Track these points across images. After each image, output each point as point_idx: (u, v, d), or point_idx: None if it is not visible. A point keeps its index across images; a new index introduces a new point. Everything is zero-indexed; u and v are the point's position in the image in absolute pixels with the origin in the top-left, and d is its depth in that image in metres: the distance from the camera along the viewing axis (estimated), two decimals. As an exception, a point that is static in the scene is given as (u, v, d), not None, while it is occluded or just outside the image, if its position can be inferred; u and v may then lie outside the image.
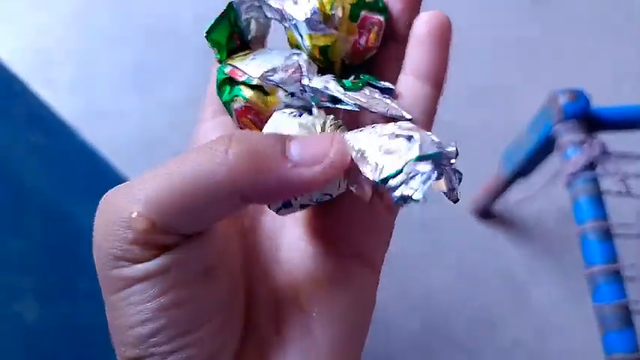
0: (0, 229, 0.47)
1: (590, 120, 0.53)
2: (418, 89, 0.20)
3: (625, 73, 0.99)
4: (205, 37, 0.22)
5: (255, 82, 0.21)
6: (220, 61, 0.23)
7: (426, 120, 0.21)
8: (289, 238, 0.21)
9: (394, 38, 0.23)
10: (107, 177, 0.67)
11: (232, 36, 0.22)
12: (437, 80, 0.21)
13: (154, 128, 1.01)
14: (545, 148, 0.58)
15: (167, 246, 0.17)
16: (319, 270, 0.20)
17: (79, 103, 1.04)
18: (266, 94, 0.21)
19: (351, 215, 0.21)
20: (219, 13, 0.22)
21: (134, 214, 0.16)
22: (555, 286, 0.82)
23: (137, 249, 0.16)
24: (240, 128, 0.22)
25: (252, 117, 0.21)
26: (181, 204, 0.16)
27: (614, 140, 0.53)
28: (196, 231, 0.17)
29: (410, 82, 0.21)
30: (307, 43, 0.21)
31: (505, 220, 0.87)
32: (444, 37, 0.20)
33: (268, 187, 0.16)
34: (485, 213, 0.86)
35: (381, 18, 0.22)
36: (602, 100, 0.55)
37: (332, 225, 0.21)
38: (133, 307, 0.17)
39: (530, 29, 1.05)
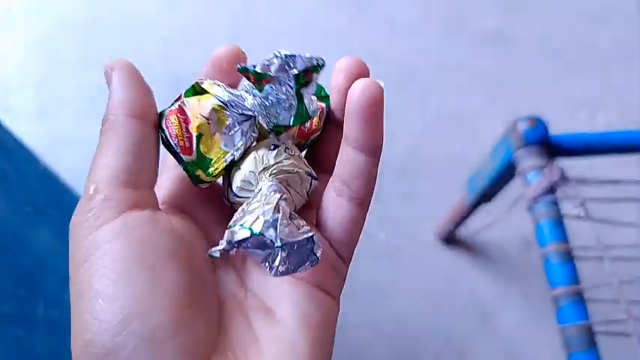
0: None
1: (550, 146, 0.55)
2: (355, 158, 0.22)
3: (580, 103, 1.03)
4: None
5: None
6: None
7: (363, 185, 0.22)
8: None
9: (334, 122, 0.25)
10: (68, 203, 0.65)
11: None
12: (372, 149, 0.22)
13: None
14: (506, 173, 0.60)
15: (130, 205, 0.20)
16: (293, 292, 0.22)
17: (40, 131, 1.02)
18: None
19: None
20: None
21: (91, 189, 0.20)
22: (521, 311, 0.83)
23: (102, 209, 0.19)
24: (164, 129, 0.22)
25: (181, 117, 0.22)
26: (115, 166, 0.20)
27: (570, 166, 0.55)
28: (143, 181, 0.21)
29: (349, 152, 0.22)
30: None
31: (469, 245, 0.88)
32: (375, 107, 0.21)
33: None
34: (450, 239, 0.87)
35: (323, 105, 0.25)
36: (559, 128, 0.58)
37: None
38: (99, 270, 0.18)
39: (491, 61, 1.09)
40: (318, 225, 0.23)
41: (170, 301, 0.18)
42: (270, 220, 0.19)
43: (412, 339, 0.81)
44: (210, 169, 0.22)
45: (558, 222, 0.52)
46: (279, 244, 0.19)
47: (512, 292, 0.85)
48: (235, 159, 0.22)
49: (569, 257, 0.50)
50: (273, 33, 1.16)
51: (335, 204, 0.22)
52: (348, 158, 0.22)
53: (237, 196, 0.23)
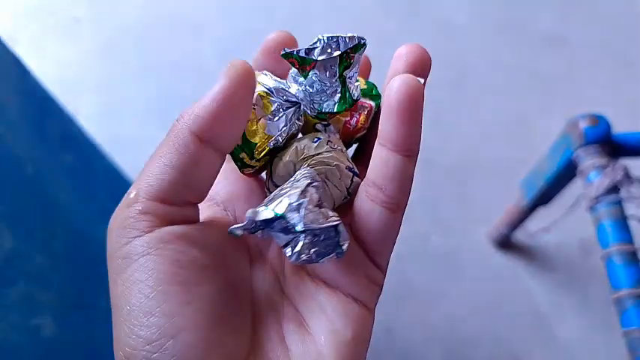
0: (27, 245, 0.48)
1: (612, 145, 0.53)
2: (389, 159, 0.20)
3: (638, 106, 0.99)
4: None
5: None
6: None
7: (398, 188, 0.21)
8: (292, 273, 0.23)
9: None
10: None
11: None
12: (407, 149, 0.20)
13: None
14: (565, 174, 0.58)
15: (166, 221, 0.20)
16: (325, 304, 0.21)
17: (104, 132, 1.06)
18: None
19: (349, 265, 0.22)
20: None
21: (132, 195, 0.20)
22: (578, 318, 0.80)
23: (139, 221, 0.19)
24: None
25: None
26: (162, 180, 0.20)
27: (634, 166, 0.53)
28: (185, 200, 0.20)
29: (383, 152, 0.20)
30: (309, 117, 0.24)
31: (525, 249, 0.86)
32: (412, 105, 0.19)
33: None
34: (505, 242, 0.85)
35: (372, 103, 0.25)
36: (619, 129, 0.56)
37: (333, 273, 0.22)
38: (135, 284, 0.18)
39: (549, 62, 1.07)
40: (351, 232, 0.22)
41: (203, 318, 0.18)
42: (295, 204, 0.19)
43: (464, 341, 0.79)
44: (255, 153, 0.22)
45: (621, 222, 0.50)
46: (301, 227, 0.18)
47: (569, 299, 0.82)
48: (279, 144, 0.22)
49: (633, 258, 0.48)
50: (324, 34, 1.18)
51: (368, 210, 0.21)
52: (381, 159, 0.20)
53: (277, 186, 0.22)
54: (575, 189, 0.56)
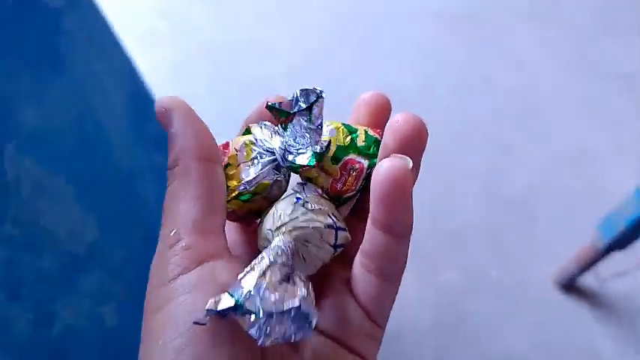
0: (110, 238, 0.49)
1: None
2: (377, 238, 0.20)
3: None
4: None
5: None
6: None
7: (391, 265, 0.20)
8: None
9: None
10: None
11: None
12: (396, 232, 0.20)
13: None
14: (651, 218, 0.56)
15: (207, 255, 0.20)
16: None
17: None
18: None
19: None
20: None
21: (171, 234, 0.20)
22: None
23: (182, 258, 0.20)
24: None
25: (224, 150, 0.24)
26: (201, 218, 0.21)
27: None
28: (218, 225, 0.21)
29: (372, 230, 0.20)
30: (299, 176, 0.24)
31: (591, 294, 0.82)
32: (399, 192, 0.19)
33: None
34: (571, 284, 0.82)
35: (365, 163, 0.23)
36: None
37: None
38: (171, 321, 0.19)
39: (622, 100, 1.03)
40: (352, 293, 0.22)
41: (228, 358, 0.19)
42: (254, 289, 0.19)
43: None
44: (228, 196, 0.22)
45: None
46: (262, 315, 0.18)
47: (634, 352, 0.78)
48: (247, 189, 0.23)
49: None
50: (393, 60, 1.18)
51: (363, 278, 0.21)
52: (371, 236, 0.20)
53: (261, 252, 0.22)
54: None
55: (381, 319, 0.22)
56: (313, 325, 0.19)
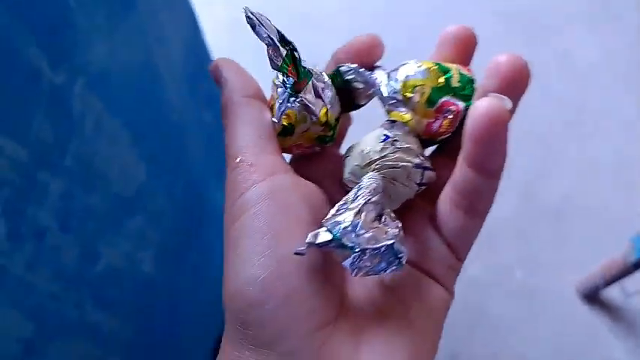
0: (155, 183, 0.50)
1: None
2: (468, 177, 0.20)
3: None
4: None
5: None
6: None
7: (479, 201, 0.21)
8: None
9: None
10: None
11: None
12: (490, 171, 0.20)
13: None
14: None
15: (271, 171, 0.21)
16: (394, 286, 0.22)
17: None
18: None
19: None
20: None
21: (237, 158, 0.22)
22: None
23: (250, 174, 0.21)
24: None
25: None
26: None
27: None
28: (275, 147, 0.23)
29: (465, 171, 0.20)
30: (387, 114, 0.24)
31: (614, 308, 0.81)
32: (495, 133, 0.19)
33: None
34: (594, 296, 0.81)
35: (461, 105, 0.22)
36: None
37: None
38: (249, 229, 0.20)
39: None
40: (435, 224, 0.22)
41: (307, 265, 0.20)
42: (350, 226, 0.20)
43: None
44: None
45: None
46: (357, 249, 0.20)
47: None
48: (277, 124, 0.23)
49: None
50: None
51: (449, 212, 0.21)
52: (464, 175, 0.20)
53: (347, 186, 0.23)
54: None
55: (463, 253, 0.22)
56: (404, 262, 0.20)
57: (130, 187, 0.46)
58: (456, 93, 0.22)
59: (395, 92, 0.22)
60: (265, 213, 0.20)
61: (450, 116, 0.22)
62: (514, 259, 0.85)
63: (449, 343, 0.79)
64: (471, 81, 0.23)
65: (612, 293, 0.81)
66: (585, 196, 0.92)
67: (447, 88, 0.22)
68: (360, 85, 0.24)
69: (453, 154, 0.22)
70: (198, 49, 0.61)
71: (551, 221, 0.89)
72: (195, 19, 0.59)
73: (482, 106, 0.18)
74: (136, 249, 0.49)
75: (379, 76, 0.23)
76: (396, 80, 0.23)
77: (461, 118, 0.22)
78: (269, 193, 0.20)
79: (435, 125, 0.22)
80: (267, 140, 0.22)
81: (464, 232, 0.21)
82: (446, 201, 0.21)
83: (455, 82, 0.22)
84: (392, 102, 0.23)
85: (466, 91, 0.22)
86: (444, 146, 0.24)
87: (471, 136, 0.19)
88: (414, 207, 0.23)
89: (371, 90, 0.24)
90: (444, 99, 0.22)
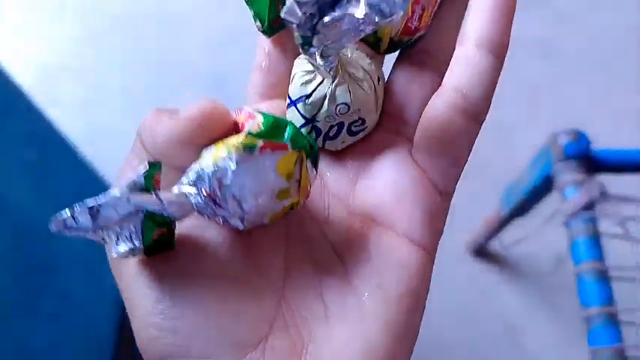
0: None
1: (591, 161, 0.53)
2: (480, 60, 0.19)
3: (625, 119, 1.00)
4: (247, 3, 0.21)
5: None
6: (263, 32, 0.21)
7: (484, 94, 0.19)
8: (334, 209, 0.20)
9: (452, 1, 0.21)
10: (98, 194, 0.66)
11: (274, 5, 0.21)
12: (499, 49, 0.19)
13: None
14: (543, 187, 0.58)
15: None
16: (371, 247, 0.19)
17: (83, 122, 1.05)
18: None
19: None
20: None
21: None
22: (549, 330, 0.81)
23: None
24: None
25: None
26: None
27: (613, 183, 0.53)
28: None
29: (470, 52, 0.19)
30: None
31: (501, 260, 0.86)
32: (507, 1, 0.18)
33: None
34: (482, 251, 0.85)
35: None
36: (602, 143, 0.56)
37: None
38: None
39: (535, 71, 1.07)
40: (419, 152, 0.20)
41: (215, 293, 0.17)
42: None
43: (434, 348, 0.79)
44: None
45: (595, 240, 0.50)
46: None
47: (541, 310, 0.83)
48: None
49: (604, 277, 0.48)
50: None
51: (445, 117, 0.19)
52: (468, 59, 0.19)
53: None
54: (553, 202, 0.56)
55: (451, 183, 0.21)
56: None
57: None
58: None
59: None
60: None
61: (430, 8, 0.20)
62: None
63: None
64: None
65: (496, 246, 0.86)
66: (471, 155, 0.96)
67: None
68: None
69: (419, 61, 0.21)
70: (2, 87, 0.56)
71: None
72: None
73: None
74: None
75: None
76: None
77: (435, 9, 0.21)
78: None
79: (415, 20, 0.20)
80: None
81: (459, 137, 0.20)
82: (438, 107, 0.19)
83: None
84: None
85: None
86: (407, 51, 0.22)
87: (486, 10, 0.18)
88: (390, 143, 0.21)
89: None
90: None
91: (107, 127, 1.04)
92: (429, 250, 0.20)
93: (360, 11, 0.16)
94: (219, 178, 0.16)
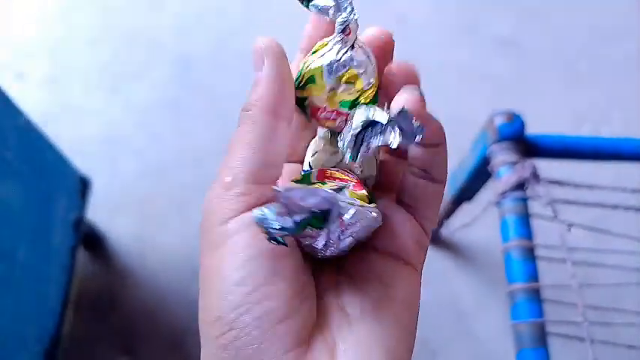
0: None
1: (525, 143, 0.54)
2: (420, 152, 0.24)
3: (584, 116, 1.02)
4: None
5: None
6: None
7: (439, 169, 0.25)
8: None
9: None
10: (47, 162, 0.66)
11: None
12: (435, 143, 0.25)
13: (119, 127, 1.02)
14: (483, 169, 0.59)
15: (259, 201, 0.22)
16: (365, 271, 0.24)
17: (49, 98, 1.04)
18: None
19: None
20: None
21: (229, 179, 0.22)
22: (499, 313, 0.82)
23: (237, 202, 0.21)
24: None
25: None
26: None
27: (551, 168, 0.54)
28: (273, 177, 0.23)
29: (414, 150, 0.25)
30: None
31: (450, 245, 0.88)
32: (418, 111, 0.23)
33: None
34: (434, 238, 0.86)
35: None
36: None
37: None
38: (229, 257, 0.21)
39: (499, 66, 1.09)
40: (403, 205, 0.25)
41: (284, 288, 0.21)
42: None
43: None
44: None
45: (524, 218, 0.51)
46: (386, 119, 0.21)
47: (491, 294, 0.84)
48: None
49: (529, 254, 0.49)
50: (284, 17, 1.17)
51: (414, 183, 0.24)
52: (416, 153, 0.24)
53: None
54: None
55: (431, 223, 0.25)
56: (422, 127, 0.21)
57: None
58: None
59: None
60: (244, 242, 0.21)
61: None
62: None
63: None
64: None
65: (446, 232, 0.87)
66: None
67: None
68: None
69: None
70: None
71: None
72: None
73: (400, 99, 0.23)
74: None
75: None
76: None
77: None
78: (250, 222, 0.21)
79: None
80: (269, 170, 0.22)
81: (430, 197, 0.24)
82: (409, 176, 0.25)
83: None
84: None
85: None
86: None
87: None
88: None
89: None
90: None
91: (70, 104, 1.04)
92: (418, 269, 0.25)
93: (395, 141, 0.21)
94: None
